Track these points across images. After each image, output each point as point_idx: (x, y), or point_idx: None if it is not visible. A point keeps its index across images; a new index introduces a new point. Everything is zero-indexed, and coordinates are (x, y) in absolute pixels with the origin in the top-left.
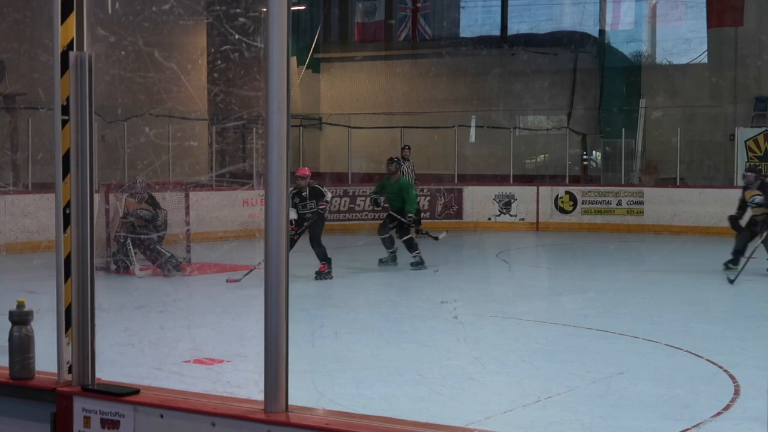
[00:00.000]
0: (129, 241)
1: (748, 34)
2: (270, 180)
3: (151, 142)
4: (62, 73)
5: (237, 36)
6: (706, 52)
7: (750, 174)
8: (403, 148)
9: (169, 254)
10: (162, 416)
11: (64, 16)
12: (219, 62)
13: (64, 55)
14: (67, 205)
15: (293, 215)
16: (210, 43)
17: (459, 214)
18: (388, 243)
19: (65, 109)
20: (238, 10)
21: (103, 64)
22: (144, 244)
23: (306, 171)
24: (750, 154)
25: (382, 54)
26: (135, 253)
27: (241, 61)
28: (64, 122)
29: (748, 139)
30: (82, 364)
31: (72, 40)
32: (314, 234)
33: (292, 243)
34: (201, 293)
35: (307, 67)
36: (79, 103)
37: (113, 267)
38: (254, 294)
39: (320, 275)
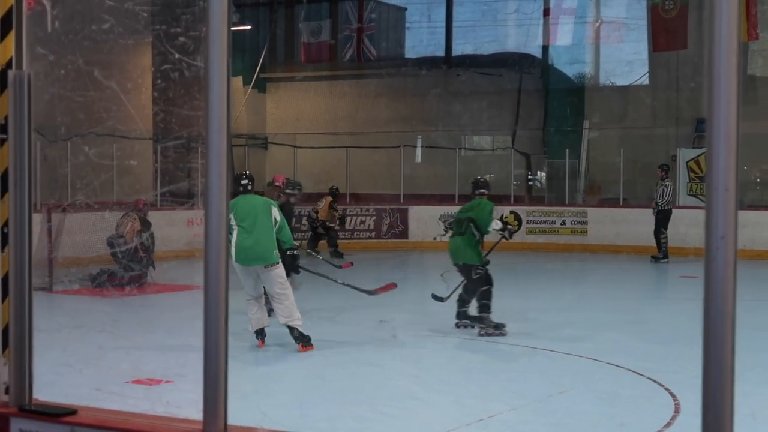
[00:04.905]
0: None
1: (689, 56)
2: (210, 199)
3: (90, 161)
4: (0, 91)
5: (177, 55)
6: (647, 74)
7: None
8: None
9: None
10: None
11: (3, 35)
12: (159, 81)
13: (3, 74)
14: (5, 224)
15: None
16: (153, 63)
17: (404, 234)
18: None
19: (3, 128)
20: (178, 30)
21: (43, 82)
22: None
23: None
24: (692, 174)
25: (328, 74)
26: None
27: (182, 81)
28: (2, 141)
29: (689, 160)
30: (20, 384)
31: (11, 59)
32: None
33: None
34: (141, 313)
35: (253, 87)
36: (17, 122)
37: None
38: (195, 314)
39: None
